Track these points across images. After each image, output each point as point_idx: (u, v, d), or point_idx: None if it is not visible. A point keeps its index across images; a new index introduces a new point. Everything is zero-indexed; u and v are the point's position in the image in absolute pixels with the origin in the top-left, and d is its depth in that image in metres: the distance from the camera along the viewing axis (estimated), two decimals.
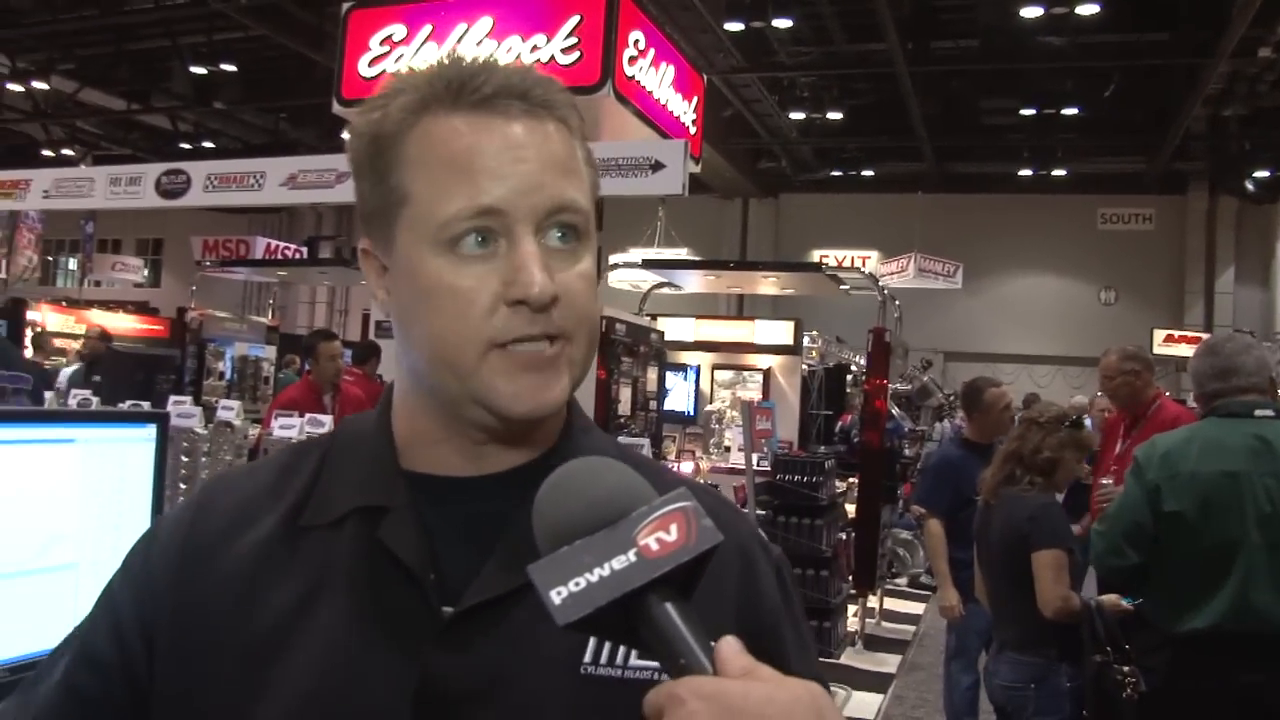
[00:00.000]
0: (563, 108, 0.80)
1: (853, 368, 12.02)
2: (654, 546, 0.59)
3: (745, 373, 10.01)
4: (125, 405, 3.67)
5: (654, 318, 9.30)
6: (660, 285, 10.31)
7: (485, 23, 6.02)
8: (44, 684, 0.82)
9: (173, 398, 4.00)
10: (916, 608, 8.40)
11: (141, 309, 18.27)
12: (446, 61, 0.80)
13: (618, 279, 11.33)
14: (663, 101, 6.52)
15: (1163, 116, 16.54)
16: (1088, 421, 3.80)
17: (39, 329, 11.70)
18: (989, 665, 3.62)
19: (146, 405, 3.68)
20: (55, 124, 19.73)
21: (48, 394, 5.51)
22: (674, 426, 8.94)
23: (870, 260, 18.51)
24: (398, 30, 6.27)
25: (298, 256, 16.73)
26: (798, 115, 18.24)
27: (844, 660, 6.45)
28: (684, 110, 6.88)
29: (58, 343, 11.99)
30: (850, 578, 6.80)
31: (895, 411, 10.34)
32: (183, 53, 16.38)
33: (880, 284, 8.54)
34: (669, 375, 9.18)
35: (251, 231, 20.63)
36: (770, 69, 16.11)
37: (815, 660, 0.92)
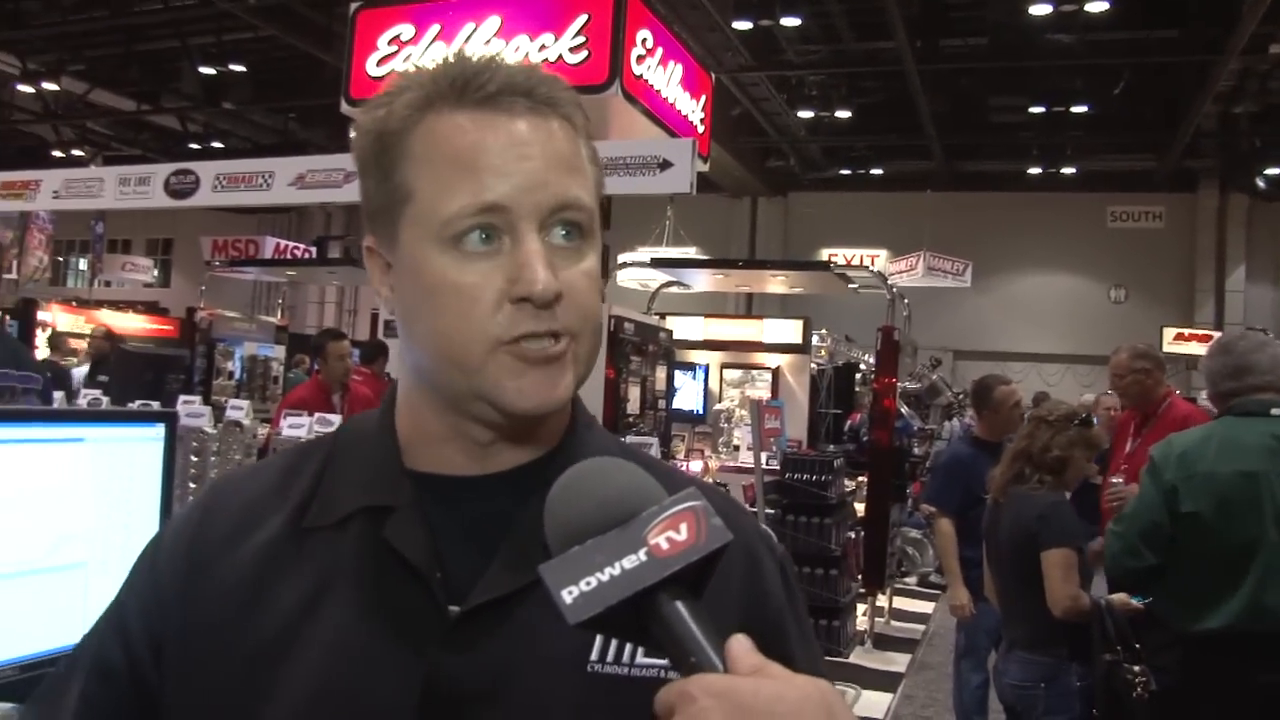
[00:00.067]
0: (567, 105, 0.80)
1: (862, 366, 12.01)
2: (664, 545, 0.60)
3: (754, 371, 10.01)
4: (134, 405, 3.68)
5: (663, 317, 9.31)
6: (669, 284, 10.31)
7: (493, 22, 6.03)
8: (61, 698, 0.83)
9: (182, 397, 4.01)
10: (926, 607, 8.39)
11: (151, 309, 18.29)
12: (452, 59, 0.80)
13: (626, 278, 11.34)
14: (671, 100, 6.52)
15: (1173, 114, 16.47)
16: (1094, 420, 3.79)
17: (51, 329, 11.75)
18: (998, 664, 3.62)
19: (156, 405, 3.70)
20: (65, 125, 19.83)
21: (58, 394, 5.52)
22: (683, 425, 8.94)
23: (879, 259, 18.46)
24: (406, 30, 6.28)
25: (307, 256, 16.73)
26: (806, 114, 18.22)
27: (853, 659, 6.44)
28: (692, 109, 6.87)
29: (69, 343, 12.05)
30: (859, 577, 6.79)
31: (904, 410, 10.33)
32: (192, 53, 16.45)
33: (889, 282, 8.54)
34: (678, 374, 9.19)
35: (261, 231, 20.69)
36: (779, 67, 16.10)
37: (819, 657, 0.93)
